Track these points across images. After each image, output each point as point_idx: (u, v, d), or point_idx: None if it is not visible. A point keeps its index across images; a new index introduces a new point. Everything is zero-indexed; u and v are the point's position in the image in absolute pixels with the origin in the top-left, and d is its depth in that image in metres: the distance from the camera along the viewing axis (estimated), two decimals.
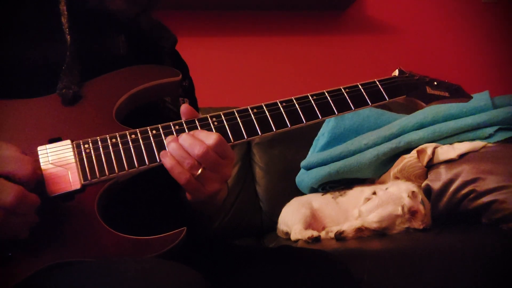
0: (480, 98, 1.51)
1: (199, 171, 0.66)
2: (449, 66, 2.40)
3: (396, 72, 0.85)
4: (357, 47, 2.32)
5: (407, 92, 0.81)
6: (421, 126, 1.53)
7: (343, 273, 0.76)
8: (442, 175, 1.38)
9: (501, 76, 2.36)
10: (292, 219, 1.52)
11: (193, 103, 0.97)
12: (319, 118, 0.74)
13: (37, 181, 0.60)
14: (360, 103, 0.77)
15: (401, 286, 1.03)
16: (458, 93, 0.88)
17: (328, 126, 1.74)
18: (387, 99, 0.79)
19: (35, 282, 0.57)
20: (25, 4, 0.73)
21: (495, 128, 1.42)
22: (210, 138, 0.66)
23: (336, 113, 0.75)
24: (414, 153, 1.47)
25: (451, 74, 2.39)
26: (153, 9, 0.84)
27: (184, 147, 0.65)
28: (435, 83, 0.86)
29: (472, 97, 0.89)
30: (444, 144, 1.46)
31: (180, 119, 0.71)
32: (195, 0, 2.06)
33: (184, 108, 0.71)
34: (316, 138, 1.82)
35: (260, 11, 2.22)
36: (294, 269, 0.74)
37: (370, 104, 0.78)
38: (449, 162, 1.40)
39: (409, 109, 1.66)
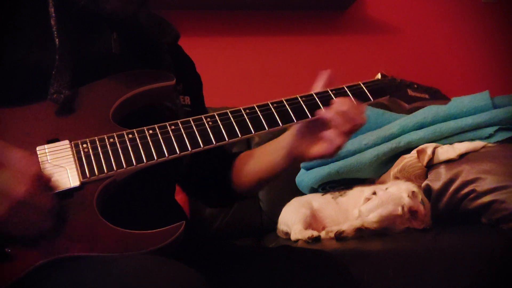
0: (480, 98, 1.51)
1: None
2: (449, 66, 2.40)
3: (379, 76, 0.90)
4: (357, 47, 2.32)
5: (390, 93, 0.86)
6: (421, 126, 1.53)
7: (343, 273, 0.76)
8: (442, 175, 1.38)
9: (501, 76, 2.36)
10: (292, 219, 1.52)
11: (197, 100, 0.97)
12: (308, 117, 0.78)
13: (47, 178, 0.61)
14: None
15: (401, 286, 1.03)
16: (437, 96, 0.93)
17: None
18: (372, 100, 0.84)
19: (34, 278, 0.57)
20: (18, 7, 0.73)
21: (495, 128, 1.43)
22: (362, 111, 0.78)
23: None
24: (414, 153, 1.47)
25: (451, 74, 2.40)
26: (149, 5, 0.84)
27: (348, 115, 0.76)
28: (415, 86, 0.91)
29: (450, 100, 0.95)
30: (444, 144, 1.46)
31: (177, 119, 0.72)
32: (196, 0, 2.06)
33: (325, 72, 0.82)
34: None
35: (260, 11, 2.22)
36: (294, 269, 0.74)
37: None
38: (449, 162, 1.40)
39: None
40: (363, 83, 0.85)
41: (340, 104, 0.77)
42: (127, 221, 0.64)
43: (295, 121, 0.77)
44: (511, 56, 2.41)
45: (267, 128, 0.75)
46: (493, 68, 2.41)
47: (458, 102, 1.51)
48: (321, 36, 2.29)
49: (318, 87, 0.82)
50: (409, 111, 1.59)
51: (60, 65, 0.69)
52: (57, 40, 0.70)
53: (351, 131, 0.76)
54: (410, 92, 0.89)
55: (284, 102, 0.78)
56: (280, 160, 0.84)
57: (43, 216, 0.58)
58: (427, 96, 0.91)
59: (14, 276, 0.57)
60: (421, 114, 1.53)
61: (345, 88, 0.83)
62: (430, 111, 1.53)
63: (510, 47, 2.43)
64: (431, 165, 1.45)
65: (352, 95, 0.82)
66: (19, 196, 0.55)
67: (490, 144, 1.41)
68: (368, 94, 0.83)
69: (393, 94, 0.86)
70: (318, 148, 0.78)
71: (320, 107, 0.79)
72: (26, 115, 0.67)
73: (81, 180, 0.64)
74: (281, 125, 0.76)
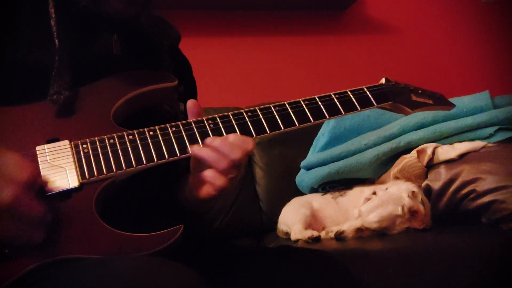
0: (480, 98, 1.51)
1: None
2: (449, 66, 2.40)
3: (383, 80, 0.88)
4: (357, 47, 2.32)
5: (393, 98, 0.85)
6: (421, 126, 1.53)
7: (343, 273, 0.76)
8: (442, 175, 1.39)
9: (501, 76, 2.36)
10: (292, 219, 1.52)
11: None
12: (311, 121, 0.77)
13: (39, 185, 0.60)
14: (349, 108, 0.81)
15: (401, 286, 1.03)
16: (441, 101, 0.91)
17: (328, 126, 1.74)
18: (375, 105, 0.82)
19: (31, 279, 0.57)
20: (18, 7, 0.72)
21: (495, 128, 1.43)
22: (249, 144, 0.70)
23: (328, 117, 0.79)
24: (414, 153, 1.47)
25: (451, 74, 2.41)
26: (151, 6, 0.84)
27: (223, 151, 0.68)
28: (420, 91, 0.90)
29: (454, 105, 0.93)
30: (444, 144, 1.46)
31: (177, 121, 0.72)
32: (196, 0, 2.06)
33: (191, 103, 0.74)
34: (316, 138, 1.82)
35: (261, 11, 2.22)
36: (294, 269, 0.74)
37: (359, 109, 0.81)
38: (449, 162, 1.40)
39: None
40: (367, 88, 0.84)
41: (211, 139, 0.70)
42: (126, 223, 0.63)
43: (297, 124, 0.76)
44: (511, 56, 2.41)
45: (268, 132, 0.74)
46: (493, 68, 2.41)
47: (458, 102, 1.51)
48: (321, 36, 2.29)
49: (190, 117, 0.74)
50: None
51: (60, 66, 0.69)
52: (56, 41, 0.70)
53: (229, 169, 0.68)
54: (413, 97, 0.88)
55: (286, 105, 0.77)
56: (188, 198, 0.76)
57: (31, 225, 0.57)
58: (431, 102, 0.89)
59: (11, 276, 0.57)
60: (421, 114, 1.53)
61: (349, 93, 0.82)
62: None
63: (510, 47, 2.43)
64: (431, 165, 1.45)
65: (355, 100, 0.81)
66: (3, 204, 0.53)
67: (490, 144, 1.41)
68: (372, 99, 0.82)
69: (397, 99, 0.85)
70: (204, 190, 0.71)
71: (323, 111, 0.78)
72: (26, 114, 0.67)
73: (80, 181, 0.64)
74: (282, 128, 0.75)
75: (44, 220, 0.58)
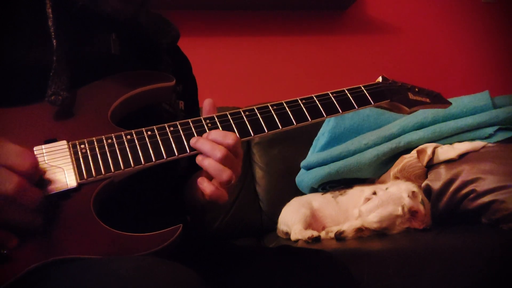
0: (480, 98, 1.51)
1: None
2: (449, 66, 2.41)
3: (380, 79, 0.89)
4: (357, 47, 2.32)
5: (390, 97, 0.85)
6: (421, 126, 1.53)
7: (343, 273, 0.76)
8: (442, 175, 1.39)
9: (501, 76, 2.36)
10: (292, 219, 1.52)
11: (192, 105, 0.96)
12: (309, 120, 0.77)
13: (40, 175, 0.61)
14: (347, 107, 0.81)
15: (401, 286, 1.03)
16: (438, 100, 0.92)
17: (328, 126, 1.74)
18: (372, 103, 0.83)
19: (30, 280, 0.57)
20: (18, 6, 0.72)
21: (495, 128, 1.43)
22: (229, 138, 0.69)
23: (325, 115, 0.79)
24: (414, 153, 1.47)
25: (451, 74, 2.41)
26: (149, 4, 0.84)
27: (205, 150, 0.69)
28: (417, 89, 0.90)
29: (451, 103, 0.93)
30: (444, 144, 1.46)
31: (177, 120, 0.72)
32: (196, 0, 2.06)
33: (206, 103, 0.75)
34: (316, 138, 1.82)
35: (261, 11, 2.22)
36: (294, 269, 0.74)
37: (356, 107, 0.81)
38: (449, 162, 1.40)
39: None
40: (364, 86, 0.84)
41: (194, 139, 0.70)
42: (124, 223, 0.63)
43: (295, 123, 0.76)
44: (511, 56, 2.41)
45: (266, 131, 0.75)
46: (493, 68, 2.41)
47: (458, 102, 1.51)
48: (321, 36, 2.29)
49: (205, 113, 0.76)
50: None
51: (58, 66, 0.68)
52: (54, 41, 0.70)
53: (219, 169, 0.69)
54: (411, 95, 0.88)
55: (284, 104, 0.77)
56: (200, 196, 0.77)
57: (29, 214, 0.57)
58: (428, 100, 0.90)
59: (11, 277, 0.57)
60: (421, 114, 1.53)
61: (346, 91, 0.82)
62: (430, 111, 1.53)
63: (510, 47, 2.43)
64: (431, 165, 1.45)
65: (352, 98, 0.81)
66: (6, 193, 0.54)
67: (490, 144, 1.41)
68: (369, 98, 0.83)
69: (394, 98, 0.85)
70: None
71: (320, 110, 0.78)
72: (24, 115, 0.67)
73: (78, 181, 0.64)
74: (280, 127, 0.75)
75: (40, 206, 0.59)
